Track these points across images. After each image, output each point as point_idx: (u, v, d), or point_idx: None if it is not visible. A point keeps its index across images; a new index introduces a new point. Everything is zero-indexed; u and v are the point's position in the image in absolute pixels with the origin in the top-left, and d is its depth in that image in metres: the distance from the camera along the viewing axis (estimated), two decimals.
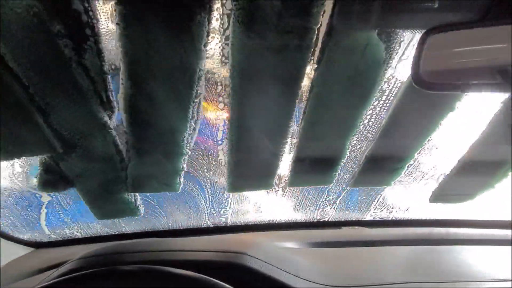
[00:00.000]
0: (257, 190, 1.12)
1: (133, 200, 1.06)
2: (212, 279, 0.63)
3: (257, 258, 0.86)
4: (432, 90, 0.59)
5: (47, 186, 0.94)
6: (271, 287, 0.80)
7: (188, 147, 0.92)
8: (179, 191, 1.03)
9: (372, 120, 0.93)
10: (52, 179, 0.93)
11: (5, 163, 1.01)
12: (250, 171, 1.00)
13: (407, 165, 1.06)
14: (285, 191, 1.20)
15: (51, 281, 0.71)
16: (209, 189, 1.17)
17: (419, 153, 1.02)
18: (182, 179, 1.01)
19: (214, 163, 1.07)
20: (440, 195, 1.17)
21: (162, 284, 0.62)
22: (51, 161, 0.89)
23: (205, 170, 1.10)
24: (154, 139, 0.87)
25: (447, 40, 0.56)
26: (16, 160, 0.98)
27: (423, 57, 0.57)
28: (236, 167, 0.98)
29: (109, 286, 0.66)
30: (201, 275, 0.64)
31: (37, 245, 1.20)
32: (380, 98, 0.87)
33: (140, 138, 0.86)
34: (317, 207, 1.28)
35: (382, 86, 0.82)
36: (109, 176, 0.94)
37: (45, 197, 1.15)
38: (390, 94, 0.86)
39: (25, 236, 1.19)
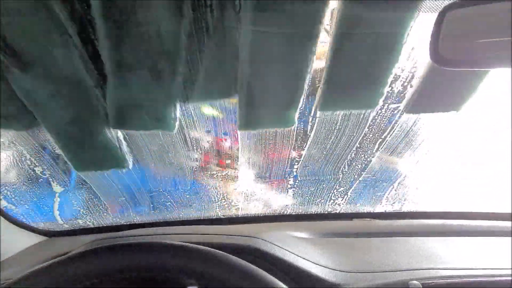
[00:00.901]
0: (275, 127, 0.93)
1: (118, 146, 0.87)
2: (233, 256, 0.63)
3: (270, 242, 0.87)
4: (451, 67, 0.59)
5: (9, 122, 0.78)
6: (284, 270, 0.80)
7: (188, 65, 0.70)
8: (174, 131, 0.84)
9: None
10: (13, 112, 0.76)
11: (20, 152, 1.03)
12: (266, 100, 0.81)
13: None
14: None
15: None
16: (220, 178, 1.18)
17: None
18: (178, 114, 0.81)
19: None
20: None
21: (182, 258, 0.62)
22: (7, 86, 0.70)
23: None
24: (140, 51, 0.65)
25: (466, 16, 0.56)
26: None
27: (441, 34, 0.58)
28: (248, 95, 0.78)
29: (125, 260, 0.66)
30: (223, 252, 0.63)
31: (50, 234, 1.21)
32: None
33: (120, 50, 0.65)
34: (328, 199, 1.28)
35: None
36: (82, 106, 0.74)
37: (59, 187, 1.16)
38: None
39: (39, 225, 1.20)
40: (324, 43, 0.74)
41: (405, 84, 0.86)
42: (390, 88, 0.85)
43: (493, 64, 0.56)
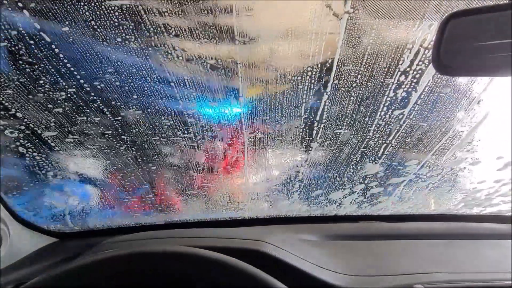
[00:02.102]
0: None
1: None
2: (239, 260, 0.64)
3: (276, 245, 0.88)
4: (452, 75, 0.60)
5: None
6: (289, 273, 0.82)
7: None
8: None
9: None
10: None
11: (31, 155, 1.05)
12: None
13: None
14: None
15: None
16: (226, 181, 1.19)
17: None
18: None
19: None
20: None
21: (189, 265, 0.63)
22: None
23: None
24: None
25: (468, 25, 0.57)
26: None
27: (443, 42, 0.58)
28: None
29: (136, 267, 0.68)
30: (230, 257, 0.64)
31: (61, 236, 1.23)
32: None
33: None
34: (334, 202, 1.28)
35: None
36: None
37: (70, 190, 1.19)
38: None
39: (50, 227, 1.22)
40: None
41: (409, 89, 0.87)
42: (394, 93, 0.86)
43: (495, 72, 0.57)
